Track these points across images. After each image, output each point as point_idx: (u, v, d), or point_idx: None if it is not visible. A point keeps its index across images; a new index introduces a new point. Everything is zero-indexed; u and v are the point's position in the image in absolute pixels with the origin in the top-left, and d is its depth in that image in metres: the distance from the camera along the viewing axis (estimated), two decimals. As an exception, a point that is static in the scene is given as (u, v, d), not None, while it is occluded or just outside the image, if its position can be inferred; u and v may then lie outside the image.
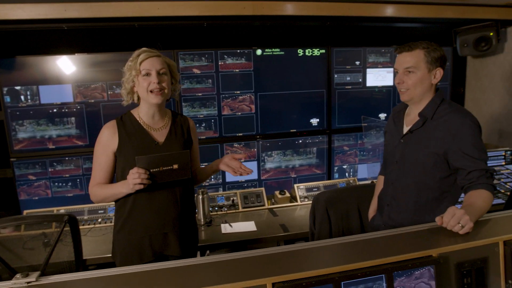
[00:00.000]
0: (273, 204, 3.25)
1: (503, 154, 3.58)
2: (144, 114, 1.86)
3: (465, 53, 3.78)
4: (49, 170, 3.41)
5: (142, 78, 1.77)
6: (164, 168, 1.71)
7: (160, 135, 1.87)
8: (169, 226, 1.85)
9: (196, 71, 3.56)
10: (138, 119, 1.85)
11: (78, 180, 3.47)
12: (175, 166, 1.73)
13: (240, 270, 1.17)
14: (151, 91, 1.77)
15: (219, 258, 1.23)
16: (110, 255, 2.38)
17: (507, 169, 3.51)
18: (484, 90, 4.01)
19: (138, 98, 1.86)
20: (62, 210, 2.86)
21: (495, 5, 3.35)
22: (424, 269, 1.23)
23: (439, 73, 1.79)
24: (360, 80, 3.98)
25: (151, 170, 1.69)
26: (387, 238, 1.36)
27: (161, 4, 2.71)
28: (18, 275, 1.16)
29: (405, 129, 1.91)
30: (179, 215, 1.88)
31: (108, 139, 1.81)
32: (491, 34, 3.51)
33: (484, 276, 1.32)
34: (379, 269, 1.19)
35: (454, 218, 1.37)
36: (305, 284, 1.13)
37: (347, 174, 4.11)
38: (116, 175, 1.87)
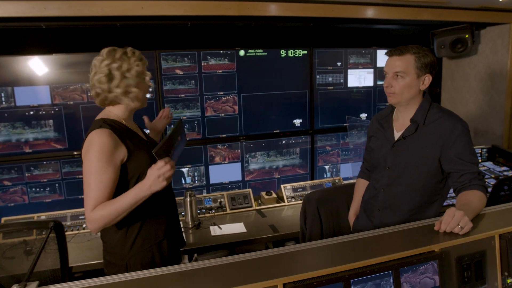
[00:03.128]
0: (260, 205, 3.24)
1: (479, 152, 3.72)
2: (127, 116, 1.76)
3: (442, 55, 3.90)
4: (26, 175, 3.27)
5: (145, 82, 1.75)
6: (174, 142, 1.63)
7: (141, 134, 1.84)
8: (177, 221, 1.93)
9: (178, 72, 3.51)
10: (124, 123, 1.73)
11: (57, 184, 3.34)
12: (179, 138, 1.68)
13: (250, 272, 1.16)
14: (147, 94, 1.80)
15: (229, 260, 1.21)
16: (97, 261, 2.34)
17: (484, 166, 3.64)
18: (460, 90, 4.16)
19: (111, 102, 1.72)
20: (43, 216, 2.75)
21: (470, 8, 3.47)
22: (428, 264, 1.26)
23: (427, 79, 1.78)
24: (342, 80, 4.04)
25: (170, 155, 1.57)
26: (391, 235, 1.38)
27: (145, 4, 2.65)
28: (15, 286, 1.10)
29: (396, 134, 1.90)
30: (176, 209, 1.94)
31: (114, 148, 1.59)
32: (467, 36, 3.65)
33: (483, 268, 1.36)
34: (386, 265, 1.21)
35: (454, 219, 1.39)
36: (316, 283, 1.12)
37: (329, 173, 4.16)
38: (121, 187, 1.64)
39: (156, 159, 1.50)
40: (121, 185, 1.64)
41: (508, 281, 1.41)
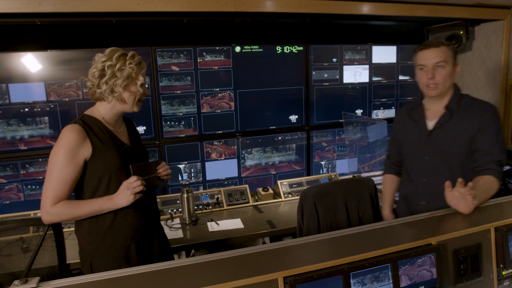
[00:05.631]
0: (256, 201, 3.26)
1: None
2: (110, 117, 1.76)
3: (437, 51, 3.92)
4: (21, 172, 3.25)
5: (138, 87, 1.74)
6: (150, 176, 1.75)
7: (124, 137, 1.82)
8: (152, 229, 1.86)
9: (174, 68, 3.50)
10: (103, 121, 1.74)
11: (52, 182, 3.33)
12: (157, 173, 1.80)
13: (250, 266, 1.17)
14: (139, 100, 1.78)
15: (228, 254, 1.22)
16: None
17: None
18: (454, 86, 4.18)
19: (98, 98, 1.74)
20: (39, 213, 2.73)
21: (464, 4, 3.50)
22: (425, 257, 1.28)
23: (458, 68, 1.90)
24: (337, 77, 4.05)
25: (143, 178, 1.69)
26: (389, 228, 1.39)
27: (141, 0, 2.64)
28: (16, 282, 1.10)
29: (430, 123, 1.95)
30: (157, 216, 1.91)
31: (77, 145, 1.61)
32: (461, 32, 3.67)
33: (479, 261, 1.38)
34: (384, 258, 1.22)
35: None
36: (316, 276, 1.14)
37: (325, 169, 4.18)
38: (87, 186, 1.69)
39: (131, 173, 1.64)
40: (83, 181, 1.69)
41: (504, 273, 1.43)
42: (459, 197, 1.51)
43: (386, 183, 2.29)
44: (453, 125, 1.88)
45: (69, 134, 1.61)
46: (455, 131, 1.87)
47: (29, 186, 3.28)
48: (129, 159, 1.73)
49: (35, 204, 3.27)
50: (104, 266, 1.70)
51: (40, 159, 3.27)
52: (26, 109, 3.18)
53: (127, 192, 1.61)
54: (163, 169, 1.82)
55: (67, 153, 1.60)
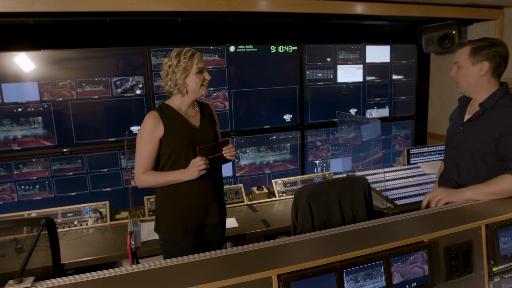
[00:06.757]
0: (251, 200, 3.26)
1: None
2: (183, 104, 2.12)
3: (430, 50, 3.96)
4: (15, 172, 3.24)
5: (196, 75, 2.05)
6: (216, 155, 2.07)
7: (195, 121, 2.15)
8: (209, 197, 2.15)
9: (169, 68, 3.50)
10: (176, 108, 2.11)
11: (46, 182, 3.32)
12: (223, 152, 2.09)
13: (244, 264, 1.17)
14: (202, 85, 2.08)
15: (223, 253, 1.23)
16: (90, 258, 2.34)
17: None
18: (447, 85, 4.22)
19: (169, 92, 2.13)
20: (33, 213, 2.72)
21: (457, 4, 3.53)
22: (417, 254, 1.29)
23: (485, 66, 1.88)
24: (331, 76, 4.07)
25: (208, 157, 2.03)
26: (382, 226, 1.41)
27: (135, -1, 2.64)
28: (11, 281, 1.10)
29: (466, 117, 2.02)
30: (216, 186, 2.19)
31: (154, 127, 2.04)
32: (454, 32, 3.71)
33: (470, 258, 1.40)
34: (377, 256, 1.24)
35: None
36: (309, 274, 1.15)
37: (320, 168, 4.20)
38: (161, 159, 2.09)
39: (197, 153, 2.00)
40: (159, 156, 2.10)
41: (494, 269, 1.45)
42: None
43: (440, 167, 2.34)
44: (482, 122, 1.92)
45: (147, 119, 2.06)
46: (481, 128, 1.91)
47: (22, 187, 3.27)
48: (196, 140, 2.08)
49: (29, 204, 3.26)
50: (166, 222, 2.13)
51: (33, 159, 3.25)
52: (20, 109, 3.17)
53: (193, 169, 1.99)
54: (227, 150, 2.10)
55: (146, 133, 2.04)
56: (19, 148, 3.21)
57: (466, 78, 1.94)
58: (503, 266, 1.47)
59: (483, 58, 1.88)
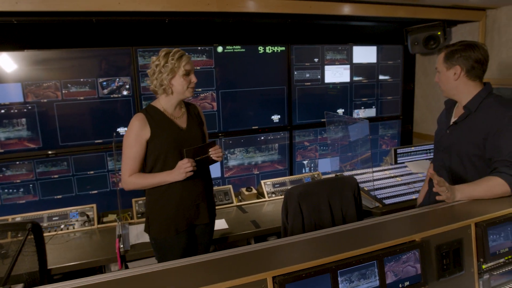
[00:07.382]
0: (240, 201, 3.25)
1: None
2: (169, 105, 2.12)
3: (416, 51, 4.01)
4: (-2, 176, 3.15)
5: (182, 77, 2.04)
6: (203, 156, 2.06)
7: (182, 122, 2.15)
8: (199, 198, 2.16)
9: (156, 68, 3.46)
10: (162, 110, 2.11)
11: (31, 185, 3.24)
12: (210, 153, 2.09)
13: (238, 267, 1.17)
14: (188, 88, 2.07)
15: (217, 255, 1.21)
16: (77, 262, 2.30)
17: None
18: (433, 85, 4.29)
19: (155, 92, 2.12)
20: (18, 218, 2.66)
21: (442, 6, 3.59)
22: (410, 253, 1.31)
23: (457, 69, 1.89)
24: (319, 76, 4.09)
25: (195, 159, 2.02)
26: (375, 226, 1.42)
27: (122, -1, 2.60)
28: (-1, 288, 1.07)
29: (453, 120, 2.03)
30: (205, 187, 2.19)
31: (140, 129, 2.03)
32: (439, 33, 3.77)
33: (460, 256, 1.43)
34: (371, 256, 1.24)
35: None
36: (304, 275, 1.15)
37: (308, 169, 4.21)
38: (148, 161, 2.09)
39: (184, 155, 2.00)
40: (146, 158, 2.09)
41: (484, 267, 1.48)
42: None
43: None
44: (468, 124, 1.92)
45: (134, 121, 2.05)
46: (467, 130, 1.92)
47: (5, 190, 3.19)
48: (183, 141, 2.08)
49: (13, 208, 3.18)
50: (156, 223, 2.12)
51: (17, 162, 3.18)
52: (2, 111, 3.09)
53: (180, 170, 1.99)
54: (214, 152, 2.10)
55: (132, 136, 2.04)
56: (2, 150, 3.13)
57: (444, 83, 1.97)
58: (492, 263, 1.50)
59: (454, 62, 1.90)
